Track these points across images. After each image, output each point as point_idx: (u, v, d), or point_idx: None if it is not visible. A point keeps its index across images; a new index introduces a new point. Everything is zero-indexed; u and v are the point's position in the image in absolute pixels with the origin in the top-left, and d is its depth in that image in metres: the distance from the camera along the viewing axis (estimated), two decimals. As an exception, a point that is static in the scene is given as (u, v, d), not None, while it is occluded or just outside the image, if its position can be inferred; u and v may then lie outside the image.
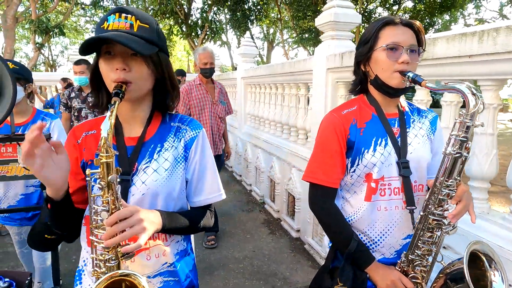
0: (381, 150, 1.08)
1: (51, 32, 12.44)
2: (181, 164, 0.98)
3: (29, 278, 1.59)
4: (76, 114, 3.76)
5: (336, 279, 1.10)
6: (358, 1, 14.65)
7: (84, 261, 0.98)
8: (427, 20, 16.10)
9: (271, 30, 21.96)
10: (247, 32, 11.70)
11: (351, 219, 1.13)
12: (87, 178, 0.80)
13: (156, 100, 0.99)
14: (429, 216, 0.96)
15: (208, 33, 15.09)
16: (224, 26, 17.62)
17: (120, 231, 0.77)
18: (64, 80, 5.41)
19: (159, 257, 0.95)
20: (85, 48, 0.84)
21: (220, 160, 3.59)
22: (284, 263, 2.95)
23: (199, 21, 14.75)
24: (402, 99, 1.19)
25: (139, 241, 0.78)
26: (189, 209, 1.06)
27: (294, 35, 18.65)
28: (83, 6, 15.27)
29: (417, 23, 1.06)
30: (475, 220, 0.95)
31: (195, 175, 1.01)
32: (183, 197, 1.01)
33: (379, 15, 16.33)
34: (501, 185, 4.75)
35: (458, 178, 0.93)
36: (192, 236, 1.12)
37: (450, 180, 0.92)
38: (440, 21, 18.03)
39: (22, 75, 1.83)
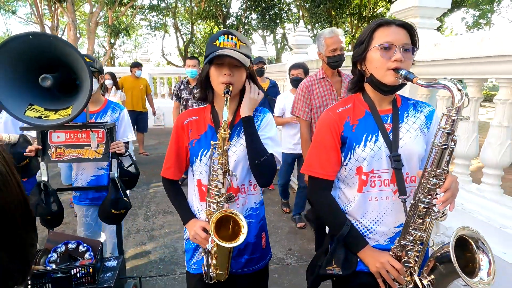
0: (371, 145, 1.04)
1: (121, 34, 14.17)
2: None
3: (100, 246, 1.67)
4: (184, 103, 4.02)
5: (332, 260, 1.09)
6: (366, 7, 14.32)
7: (197, 211, 1.22)
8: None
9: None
10: (301, 22, 11.47)
11: (346, 208, 1.12)
12: (211, 147, 1.06)
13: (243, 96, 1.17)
14: (419, 204, 0.93)
15: (241, 32, 15.63)
16: (255, 27, 18.11)
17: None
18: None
19: (240, 206, 1.18)
20: (211, 59, 1.07)
21: None
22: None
23: (235, 23, 15.53)
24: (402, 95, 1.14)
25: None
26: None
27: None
28: (143, 10, 16.59)
29: (411, 23, 1.01)
30: (452, 209, 0.91)
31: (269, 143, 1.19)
32: None
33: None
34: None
35: (446, 168, 0.89)
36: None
37: (438, 170, 0.89)
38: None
39: (96, 68, 1.78)
